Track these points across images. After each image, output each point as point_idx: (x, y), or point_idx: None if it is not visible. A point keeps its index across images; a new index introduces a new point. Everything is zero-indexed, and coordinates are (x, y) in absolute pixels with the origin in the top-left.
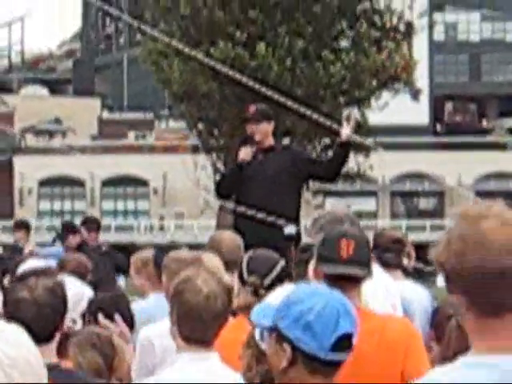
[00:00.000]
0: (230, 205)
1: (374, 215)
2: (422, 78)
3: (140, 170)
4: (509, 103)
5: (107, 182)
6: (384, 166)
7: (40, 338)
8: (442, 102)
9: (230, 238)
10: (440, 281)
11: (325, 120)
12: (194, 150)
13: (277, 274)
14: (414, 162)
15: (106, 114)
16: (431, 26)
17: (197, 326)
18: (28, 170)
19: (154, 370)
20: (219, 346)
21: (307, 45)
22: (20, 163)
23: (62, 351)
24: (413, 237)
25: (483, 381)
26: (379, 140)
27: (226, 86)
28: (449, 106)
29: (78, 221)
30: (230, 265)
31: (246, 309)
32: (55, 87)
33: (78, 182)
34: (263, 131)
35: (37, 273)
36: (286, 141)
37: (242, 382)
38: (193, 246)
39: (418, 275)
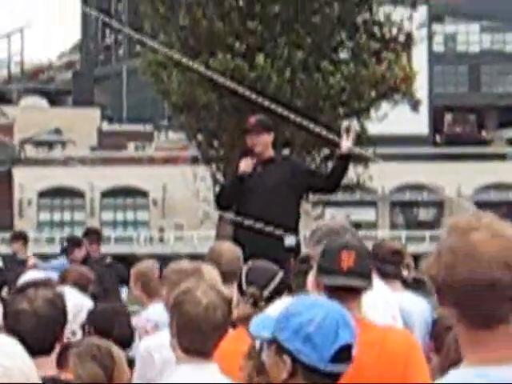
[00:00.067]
0: (230, 216)
1: (373, 225)
2: (421, 88)
3: (139, 181)
4: (508, 114)
5: (107, 193)
6: (384, 176)
7: (40, 349)
8: (441, 112)
9: (230, 249)
10: None
11: (324, 131)
12: (194, 161)
13: (276, 286)
14: (413, 173)
15: (105, 125)
16: (431, 37)
17: (196, 337)
18: (27, 181)
19: (153, 381)
20: (219, 357)
21: (307, 56)
22: (19, 174)
23: (62, 362)
24: (412, 247)
25: None
26: (379, 151)
27: (226, 97)
28: (448, 116)
29: (77, 232)
30: (229, 276)
31: (245, 320)
32: (55, 98)
33: (77, 193)
34: (263, 143)
35: (36, 284)
36: (285, 152)
37: None
38: (192, 257)
39: (417, 286)
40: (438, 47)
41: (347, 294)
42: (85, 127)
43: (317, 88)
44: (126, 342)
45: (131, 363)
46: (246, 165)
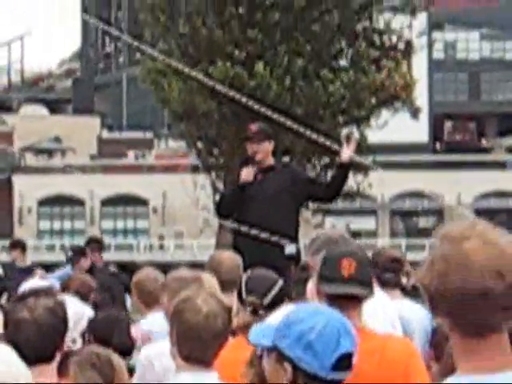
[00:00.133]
0: (230, 224)
1: (373, 234)
2: (421, 96)
3: (139, 189)
4: (508, 122)
5: (107, 202)
6: (383, 184)
7: (40, 357)
8: (441, 120)
9: (230, 257)
10: None
11: (324, 140)
12: (194, 169)
13: (275, 294)
14: (413, 181)
15: (105, 133)
16: (430, 45)
17: (196, 345)
18: (27, 189)
19: None
20: (219, 366)
21: (306, 64)
22: (19, 182)
23: (62, 371)
24: (412, 255)
25: None
26: (379, 158)
27: (225, 105)
28: (448, 124)
29: (77, 240)
30: (229, 284)
31: (245, 328)
32: (55, 106)
33: (77, 201)
34: (264, 151)
35: (37, 293)
36: (285, 160)
37: None
38: (192, 265)
39: (416, 294)
40: (438, 55)
41: (348, 302)
42: (85, 135)
43: (316, 96)
44: (126, 350)
45: (131, 371)
46: (247, 173)
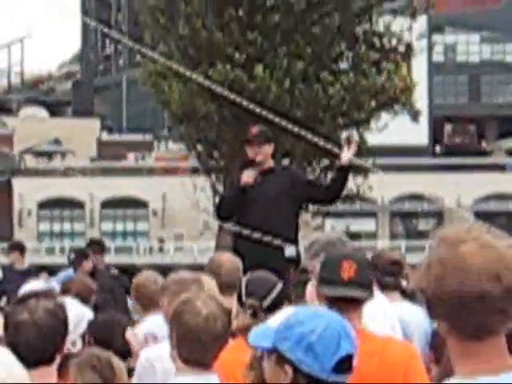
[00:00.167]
0: (230, 227)
1: (373, 236)
2: (421, 99)
3: (139, 191)
4: (508, 125)
5: (106, 204)
6: (383, 186)
7: (40, 360)
8: (441, 123)
9: (230, 260)
10: None
11: (324, 143)
12: (194, 171)
13: (275, 296)
14: (413, 183)
15: (105, 136)
16: (430, 48)
17: (196, 347)
18: (27, 192)
19: None
20: (218, 368)
21: (306, 66)
22: (19, 184)
23: (62, 373)
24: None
25: None
26: (379, 161)
27: (225, 107)
28: (448, 127)
29: (77, 242)
30: (228, 287)
31: (245, 331)
32: (54, 108)
33: (77, 204)
34: (265, 153)
35: (37, 295)
36: (285, 162)
37: None
38: (192, 268)
39: (416, 297)
40: (438, 57)
41: (348, 305)
42: (84, 137)
43: (316, 98)
44: (125, 352)
45: (131, 374)
46: (248, 176)
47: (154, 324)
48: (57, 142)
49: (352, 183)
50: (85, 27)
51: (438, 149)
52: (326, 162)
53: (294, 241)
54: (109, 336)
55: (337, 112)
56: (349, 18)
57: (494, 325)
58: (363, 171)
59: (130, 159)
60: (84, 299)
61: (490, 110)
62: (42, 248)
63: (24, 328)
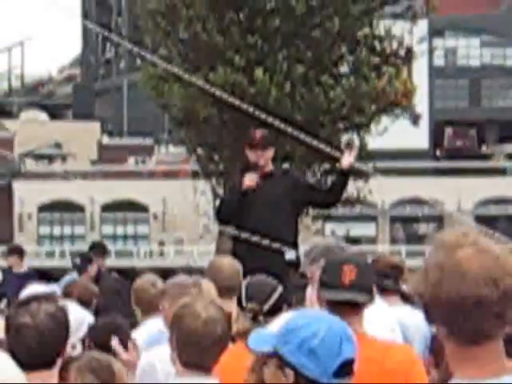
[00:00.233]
0: (230, 230)
1: (373, 240)
2: (421, 103)
3: (140, 195)
4: (509, 129)
5: (107, 207)
6: (384, 190)
7: (42, 363)
8: (441, 127)
9: (229, 263)
10: None
11: (325, 146)
12: (194, 175)
13: (275, 300)
14: (413, 187)
15: (105, 139)
16: (431, 52)
17: (196, 351)
18: (28, 195)
19: None
20: (218, 372)
21: (307, 70)
22: (19, 188)
23: (63, 376)
24: (412, 262)
25: None
26: (379, 165)
27: (226, 111)
28: (449, 131)
29: (77, 246)
30: (228, 290)
31: (245, 335)
32: (55, 112)
33: (77, 207)
34: (268, 157)
35: (39, 298)
36: (285, 166)
37: None
38: (192, 271)
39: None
40: (439, 61)
41: (349, 309)
42: (85, 141)
43: (317, 102)
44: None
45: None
46: (250, 180)
47: (151, 328)
48: (57, 145)
49: (352, 187)
50: (85, 31)
51: (438, 153)
52: (326, 165)
53: (294, 244)
54: (109, 340)
55: (337, 116)
56: (349, 22)
57: (491, 329)
58: (364, 175)
59: (131, 163)
60: (85, 303)
61: (490, 113)
62: (42, 251)
63: (25, 331)
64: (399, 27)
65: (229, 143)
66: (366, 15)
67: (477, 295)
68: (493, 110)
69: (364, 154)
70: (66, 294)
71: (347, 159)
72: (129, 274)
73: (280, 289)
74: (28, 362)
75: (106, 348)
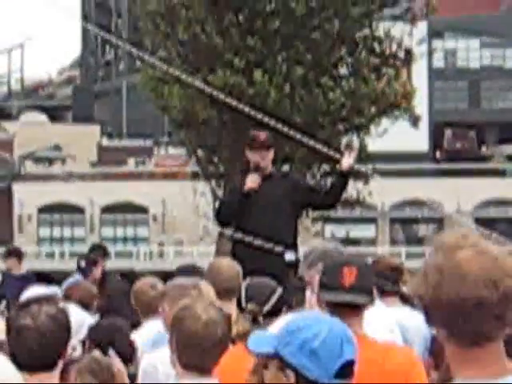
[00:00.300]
0: (230, 231)
1: (373, 242)
2: (421, 104)
3: (139, 196)
4: (508, 130)
5: (107, 209)
6: (383, 192)
7: (43, 365)
8: (441, 128)
9: (229, 265)
10: None
11: (324, 148)
12: (194, 176)
13: (275, 302)
14: (413, 189)
15: (105, 141)
16: (430, 53)
17: (196, 353)
18: (27, 197)
19: None
20: (219, 374)
21: (306, 71)
22: (19, 190)
23: (63, 378)
24: (412, 264)
25: None
26: (379, 167)
27: (225, 112)
28: (448, 132)
29: (77, 247)
30: (228, 292)
31: (245, 336)
32: (55, 114)
33: (77, 209)
34: (269, 159)
35: (40, 300)
36: (284, 168)
37: None
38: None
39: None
40: (438, 63)
41: (349, 311)
42: (85, 143)
43: (316, 104)
44: (126, 357)
45: (133, 379)
46: (252, 181)
47: (150, 330)
48: (57, 147)
49: (352, 189)
50: (85, 33)
51: (438, 154)
52: (326, 167)
53: (294, 246)
54: (109, 342)
55: (337, 117)
56: (349, 24)
57: (491, 331)
58: (364, 177)
59: (130, 164)
60: (86, 305)
61: (490, 115)
62: (42, 253)
63: (26, 333)
64: (399, 29)
65: (228, 145)
66: (366, 17)
67: (477, 297)
68: (492, 112)
69: (364, 156)
70: (67, 296)
71: (347, 161)
72: (128, 276)
73: (280, 290)
74: (29, 363)
75: (106, 350)
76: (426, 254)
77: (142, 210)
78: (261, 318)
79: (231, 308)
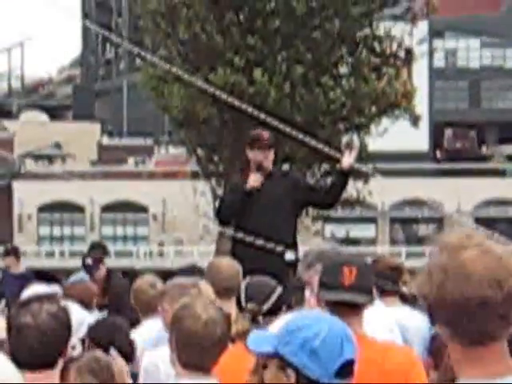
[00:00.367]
0: (230, 231)
1: (373, 241)
2: (421, 104)
3: (139, 195)
4: (508, 130)
5: (107, 208)
6: (383, 192)
7: (43, 363)
8: (441, 128)
9: (229, 264)
10: None
11: (325, 147)
12: (194, 175)
13: (274, 301)
14: (413, 189)
15: (105, 140)
16: (431, 53)
17: (195, 352)
18: (27, 196)
19: None
20: (218, 373)
21: (307, 71)
22: (19, 188)
23: (63, 376)
24: (412, 263)
25: None
26: (379, 166)
27: (226, 111)
28: (448, 132)
29: (77, 246)
30: (228, 291)
31: (244, 335)
32: (55, 113)
33: (77, 208)
34: (271, 158)
35: (40, 298)
36: (285, 167)
37: None
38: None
39: (416, 302)
40: (439, 63)
41: (349, 310)
42: (85, 141)
43: (317, 103)
44: (126, 356)
45: (132, 378)
46: (255, 180)
47: (150, 329)
48: (57, 145)
49: (352, 188)
50: (85, 31)
51: (438, 154)
52: (326, 166)
53: (294, 245)
54: (109, 340)
55: (337, 117)
56: (349, 23)
57: (495, 330)
58: (364, 176)
59: (131, 163)
60: (86, 303)
61: (490, 115)
62: (41, 252)
63: (27, 331)
64: (399, 29)
65: (229, 144)
66: (366, 17)
67: (481, 296)
68: (493, 112)
69: (364, 155)
70: (67, 294)
71: (347, 160)
72: (128, 275)
73: (279, 289)
74: (29, 362)
75: (106, 348)
76: (426, 253)
77: (142, 209)
78: (260, 318)
79: (231, 307)
